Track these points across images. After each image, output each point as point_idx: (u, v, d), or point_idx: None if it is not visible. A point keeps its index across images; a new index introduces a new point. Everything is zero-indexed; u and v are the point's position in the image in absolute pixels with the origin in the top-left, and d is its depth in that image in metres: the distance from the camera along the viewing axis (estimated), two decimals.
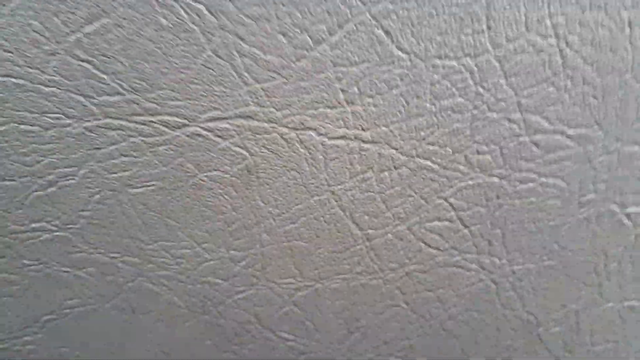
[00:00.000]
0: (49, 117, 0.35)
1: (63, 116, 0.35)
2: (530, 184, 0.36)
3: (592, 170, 0.36)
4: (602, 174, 0.36)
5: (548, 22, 0.31)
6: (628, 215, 0.38)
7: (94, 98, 0.34)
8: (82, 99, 0.34)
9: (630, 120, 0.35)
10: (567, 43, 0.32)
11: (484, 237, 0.38)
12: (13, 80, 0.34)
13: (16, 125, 0.35)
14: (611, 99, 0.34)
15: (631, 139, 0.35)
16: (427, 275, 0.40)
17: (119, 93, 0.34)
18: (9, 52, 0.33)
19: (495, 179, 0.36)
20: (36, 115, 0.35)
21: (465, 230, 0.38)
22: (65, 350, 0.45)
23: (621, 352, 0.45)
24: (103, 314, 0.43)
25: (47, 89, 0.34)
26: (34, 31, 0.33)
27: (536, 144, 0.35)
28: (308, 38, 0.32)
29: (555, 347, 0.44)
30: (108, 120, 0.35)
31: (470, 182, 0.36)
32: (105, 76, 0.33)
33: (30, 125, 0.35)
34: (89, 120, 0.35)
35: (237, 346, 0.43)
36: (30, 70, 0.34)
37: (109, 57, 0.33)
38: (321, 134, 0.34)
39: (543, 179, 0.36)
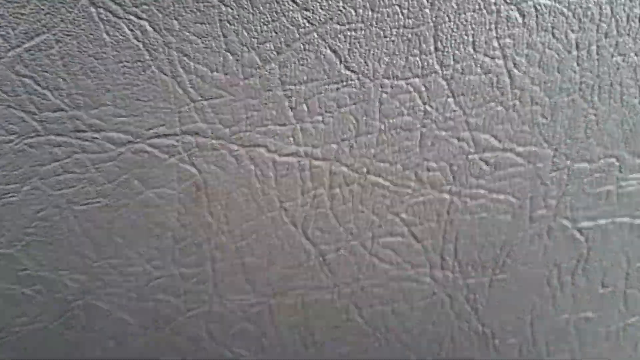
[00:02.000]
0: None
1: (4, 132, 0.34)
2: (481, 200, 0.36)
3: (542, 186, 0.36)
4: (553, 190, 0.37)
5: (495, 43, 0.31)
6: (580, 230, 0.39)
7: (36, 114, 0.33)
8: (23, 114, 0.33)
9: (579, 139, 0.35)
10: (514, 64, 0.32)
11: (436, 251, 0.38)
12: None
13: None
14: (560, 118, 0.34)
15: (580, 157, 0.36)
16: (382, 290, 0.40)
17: (61, 109, 0.33)
18: None
19: (446, 195, 0.36)
20: None
21: (418, 245, 0.38)
22: None
23: None
24: (53, 332, 0.42)
25: None
26: None
27: (485, 162, 0.35)
28: (256, 57, 0.31)
29: (511, 359, 0.45)
30: (50, 137, 0.34)
31: (422, 199, 0.36)
32: (47, 92, 0.32)
33: None
34: (31, 137, 0.34)
35: None
36: None
37: (50, 73, 0.32)
38: (271, 151, 0.34)
39: (493, 195, 0.36)
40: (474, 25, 0.30)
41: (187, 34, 0.30)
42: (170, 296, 0.39)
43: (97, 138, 0.33)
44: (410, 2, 0.30)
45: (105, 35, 0.31)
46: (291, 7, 0.30)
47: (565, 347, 0.45)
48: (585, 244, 0.40)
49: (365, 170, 0.35)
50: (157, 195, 0.35)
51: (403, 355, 0.44)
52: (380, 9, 0.30)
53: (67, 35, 0.31)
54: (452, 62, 0.31)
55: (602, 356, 0.46)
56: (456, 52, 0.31)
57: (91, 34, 0.31)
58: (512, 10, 0.30)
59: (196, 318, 0.40)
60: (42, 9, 0.30)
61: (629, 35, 0.32)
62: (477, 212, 0.37)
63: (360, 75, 0.31)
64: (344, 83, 0.32)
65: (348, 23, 0.30)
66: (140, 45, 0.31)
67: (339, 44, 0.31)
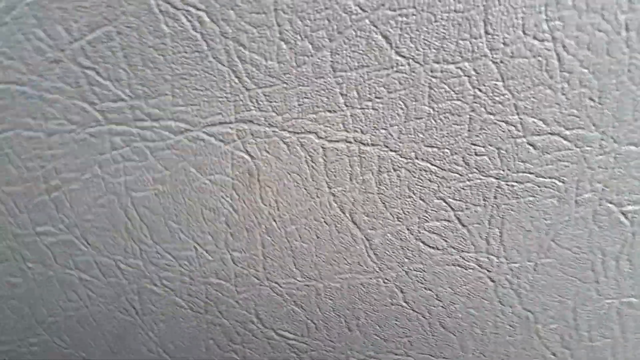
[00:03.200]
0: (53, 124, 0.35)
1: (66, 122, 0.35)
2: (527, 184, 0.37)
3: (589, 170, 0.37)
4: (599, 174, 0.37)
5: (545, 26, 0.32)
6: (625, 214, 0.39)
7: (97, 104, 0.35)
8: (85, 105, 0.35)
9: (626, 122, 0.35)
10: (564, 46, 0.32)
11: (481, 236, 0.39)
12: (16, 87, 0.34)
13: (20, 131, 0.35)
14: (608, 101, 0.34)
15: (628, 140, 0.36)
16: (426, 274, 0.40)
17: (121, 99, 0.34)
18: (12, 59, 0.33)
19: (493, 180, 0.36)
20: (40, 121, 0.35)
21: (464, 230, 0.38)
22: (70, 351, 0.46)
23: (619, 348, 0.46)
24: (107, 315, 0.43)
25: (50, 96, 0.35)
26: (37, 39, 0.33)
27: (533, 145, 0.35)
28: (308, 44, 0.32)
29: (552, 344, 0.45)
30: (111, 126, 0.35)
31: (468, 183, 0.36)
32: (108, 83, 0.34)
33: (34, 132, 0.36)
34: (92, 126, 0.35)
35: (238, 345, 0.44)
36: (34, 77, 0.34)
37: (111, 65, 0.33)
38: (321, 138, 0.35)
39: (540, 179, 0.37)
40: (523, 8, 0.31)
41: (243, 23, 0.32)
42: (222, 280, 0.41)
43: (155, 127, 0.35)
44: None
45: (164, 27, 0.32)
46: None
47: (607, 333, 0.45)
48: (630, 228, 0.40)
49: (413, 155, 0.35)
50: (212, 182, 0.36)
51: (446, 339, 0.44)
52: None
53: (128, 27, 0.32)
54: (501, 46, 0.32)
55: None
56: (506, 35, 0.31)
57: (151, 26, 0.32)
58: None
59: (245, 301, 0.42)
60: (104, 2, 0.32)
61: None
62: (523, 196, 0.37)
63: (410, 61, 0.32)
64: (395, 68, 0.32)
65: (399, 9, 0.31)
66: (198, 36, 0.32)
67: (390, 29, 0.31)
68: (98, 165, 0.36)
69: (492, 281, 0.41)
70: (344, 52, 0.32)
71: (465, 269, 0.40)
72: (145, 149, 0.35)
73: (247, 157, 0.35)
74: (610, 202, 0.38)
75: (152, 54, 0.33)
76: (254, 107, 0.34)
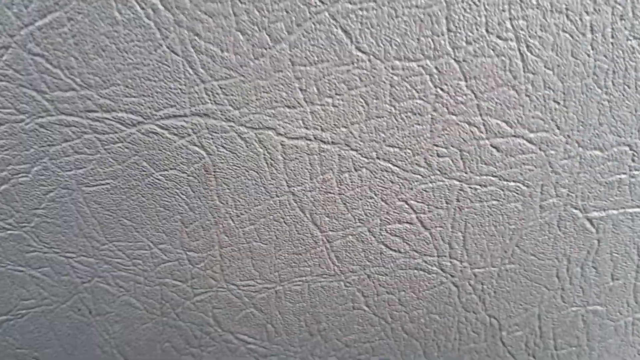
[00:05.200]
0: (2, 112, 0.34)
1: (16, 111, 0.34)
2: (491, 187, 0.36)
3: (553, 174, 0.36)
4: (564, 179, 0.36)
5: (509, 24, 0.31)
6: (590, 220, 0.38)
7: (47, 93, 0.33)
8: (35, 94, 0.33)
9: (592, 125, 0.35)
10: (527, 47, 0.32)
11: (444, 239, 0.38)
12: None
13: None
14: (573, 104, 0.34)
15: (593, 144, 0.35)
16: (388, 278, 0.40)
17: (72, 89, 0.33)
18: None
19: (456, 182, 0.36)
20: None
21: (426, 233, 0.38)
22: (22, 351, 0.44)
23: (584, 356, 0.45)
24: (60, 314, 0.42)
25: None
26: None
27: (496, 148, 0.34)
28: (266, 36, 0.31)
29: (517, 351, 0.44)
30: (62, 117, 0.34)
31: (431, 185, 0.36)
32: (58, 71, 0.32)
33: None
34: (42, 116, 0.34)
35: (196, 349, 0.43)
36: None
37: (62, 52, 0.32)
38: (280, 134, 0.34)
39: (504, 182, 0.36)
40: (487, 6, 0.30)
41: (199, 12, 0.30)
42: (177, 280, 0.39)
43: (107, 118, 0.33)
44: None
45: (117, 14, 0.31)
46: None
47: (573, 341, 0.45)
48: (595, 235, 0.39)
49: (374, 154, 0.34)
50: (166, 178, 0.35)
51: (408, 344, 0.43)
52: None
53: (79, 13, 0.31)
54: (464, 44, 0.31)
55: (610, 351, 0.45)
56: (469, 33, 0.31)
57: (103, 12, 0.31)
58: None
59: (202, 303, 0.40)
60: None
61: None
62: (486, 199, 0.36)
63: (371, 57, 0.31)
64: (355, 64, 0.32)
65: (360, 2, 0.30)
66: (152, 24, 0.31)
67: (350, 23, 0.30)
68: (48, 157, 0.35)
69: (456, 286, 0.40)
70: (303, 45, 0.31)
71: (428, 273, 0.40)
72: (97, 141, 0.34)
73: (202, 152, 0.34)
74: (576, 208, 0.38)
75: (104, 41, 0.31)
76: (210, 100, 0.33)
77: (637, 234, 0.39)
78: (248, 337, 0.42)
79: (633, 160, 0.36)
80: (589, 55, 0.32)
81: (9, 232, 0.38)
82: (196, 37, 0.31)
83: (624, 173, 0.36)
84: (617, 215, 0.38)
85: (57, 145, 0.35)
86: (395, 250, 0.38)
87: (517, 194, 0.37)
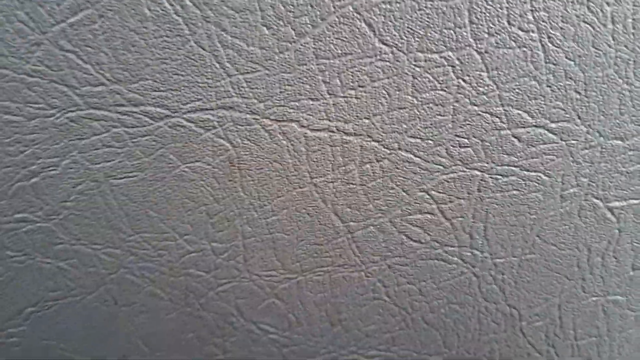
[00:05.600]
0: (33, 107, 0.35)
1: (47, 106, 0.35)
2: (512, 177, 0.36)
3: (574, 164, 0.36)
4: (585, 168, 0.37)
5: (530, 16, 0.31)
6: (611, 210, 0.38)
7: (78, 88, 0.34)
8: (65, 89, 0.34)
9: (612, 115, 0.35)
10: (549, 37, 0.32)
11: (465, 230, 0.38)
12: None
13: None
14: (593, 94, 0.34)
15: (614, 134, 0.36)
16: (409, 268, 0.40)
17: (102, 84, 0.34)
18: None
19: (477, 172, 0.36)
20: (20, 105, 0.35)
21: (447, 223, 0.38)
22: (49, 342, 0.45)
23: (604, 347, 0.45)
24: (86, 305, 0.43)
25: (31, 79, 0.34)
26: (19, 21, 0.32)
27: (518, 138, 0.35)
28: (291, 30, 0.32)
29: (537, 341, 0.45)
30: (91, 111, 0.35)
31: (452, 175, 0.36)
32: (89, 66, 0.33)
33: (14, 115, 0.35)
34: (72, 111, 0.35)
35: (219, 338, 0.43)
36: (15, 60, 0.34)
37: (93, 48, 0.33)
38: (303, 126, 0.34)
39: (525, 173, 0.36)
40: None
41: (225, 8, 0.31)
42: (202, 271, 0.40)
43: (135, 112, 0.34)
44: None
45: (146, 10, 0.31)
46: None
47: (593, 331, 0.45)
48: (616, 224, 0.39)
49: (396, 145, 0.35)
50: (192, 170, 0.36)
51: (428, 334, 0.44)
52: None
53: (110, 10, 0.32)
54: (486, 36, 0.31)
55: (630, 341, 0.45)
56: (490, 25, 0.31)
57: (133, 9, 0.32)
58: None
59: (225, 293, 0.41)
60: None
61: None
62: (507, 189, 0.37)
63: (394, 49, 0.32)
64: (378, 57, 0.32)
65: None
66: (180, 20, 0.31)
67: (373, 17, 0.31)
68: (77, 150, 0.36)
69: (476, 277, 0.41)
70: (327, 39, 0.32)
71: (449, 264, 0.40)
72: (125, 134, 0.35)
73: (227, 144, 0.35)
74: (596, 198, 0.38)
75: (133, 37, 0.32)
76: (236, 93, 0.33)
77: None
78: (270, 326, 0.43)
79: None
80: (609, 46, 0.33)
81: (37, 224, 0.39)
82: (223, 32, 0.32)
83: None
84: (638, 204, 0.38)
85: (86, 139, 0.35)
86: (416, 241, 0.39)
87: (538, 184, 0.37)
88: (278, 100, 0.34)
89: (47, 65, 0.34)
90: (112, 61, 0.33)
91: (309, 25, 0.31)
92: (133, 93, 0.34)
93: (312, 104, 0.34)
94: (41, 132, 0.35)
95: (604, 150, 0.36)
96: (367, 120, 0.34)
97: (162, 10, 0.32)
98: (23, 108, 0.35)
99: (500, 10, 0.31)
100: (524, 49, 0.32)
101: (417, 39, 0.32)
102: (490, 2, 0.31)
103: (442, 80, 0.33)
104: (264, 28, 0.32)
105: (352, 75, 0.33)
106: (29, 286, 0.42)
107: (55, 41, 0.33)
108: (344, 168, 0.36)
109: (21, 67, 0.34)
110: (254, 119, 0.34)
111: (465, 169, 0.36)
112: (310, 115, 0.34)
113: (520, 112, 0.34)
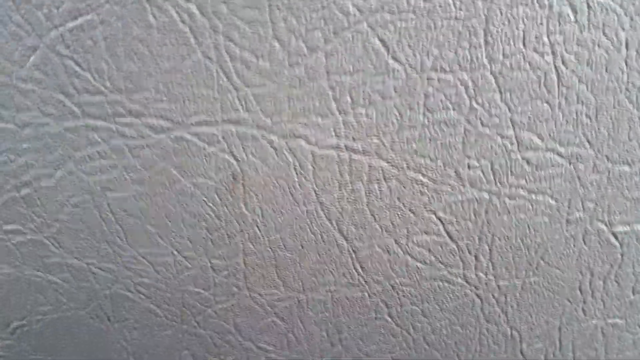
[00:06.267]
0: (27, 115, 0.33)
1: (41, 114, 0.33)
2: (520, 201, 0.36)
3: (581, 188, 0.36)
4: (591, 193, 0.36)
5: (546, 39, 0.31)
6: (615, 235, 0.38)
7: (75, 97, 0.33)
8: (62, 97, 0.33)
9: (621, 141, 0.35)
10: (563, 61, 0.32)
11: (471, 252, 0.38)
12: None
13: None
14: (604, 119, 0.34)
15: (622, 159, 0.35)
16: (412, 289, 0.39)
17: (101, 92, 0.32)
18: None
19: (485, 194, 0.35)
20: (12, 112, 0.33)
21: (453, 245, 0.37)
22: (37, 357, 0.43)
23: None
24: (77, 321, 0.41)
25: (25, 85, 0.33)
26: (14, 24, 0.31)
27: (527, 161, 0.34)
28: (303, 45, 0.31)
29: None
30: (89, 121, 0.33)
31: (460, 197, 0.35)
32: (87, 74, 0.32)
33: (6, 123, 0.34)
34: (68, 120, 0.33)
35: (215, 357, 0.42)
36: (8, 64, 0.32)
37: (92, 55, 0.32)
38: (311, 143, 0.33)
39: (532, 196, 0.36)
40: (525, 20, 0.30)
41: (235, 19, 0.30)
42: (200, 288, 0.39)
43: (136, 123, 0.33)
44: None
45: (151, 18, 0.30)
46: None
47: (592, 354, 0.45)
48: (619, 249, 0.39)
49: (405, 165, 0.34)
50: (194, 185, 0.35)
51: (430, 356, 0.43)
52: (432, 0, 0.30)
53: (112, 16, 0.31)
54: (501, 57, 0.31)
55: None
56: (506, 46, 0.31)
57: (136, 16, 0.30)
58: (564, 5, 0.30)
59: (224, 311, 0.40)
60: None
61: None
62: (515, 212, 0.36)
63: (407, 67, 0.31)
64: (390, 75, 0.31)
65: (399, 12, 0.30)
66: (187, 29, 0.30)
67: (388, 34, 0.30)
68: (73, 161, 0.34)
69: (479, 298, 0.40)
70: (339, 55, 0.31)
71: (453, 285, 0.39)
72: (124, 146, 0.34)
73: (232, 160, 0.34)
74: (601, 222, 0.38)
75: (136, 45, 0.31)
76: (242, 107, 0.32)
77: None
78: (268, 345, 0.42)
79: None
80: (622, 71, 0.32)
81: (28, 237, 0.37)
82: (231, 44, 0.31)
83: None
84: None
85: (82, 150, 0.34)
86: (420, 262, 0.38)
87: (545, 207, 0.36)
88: (286, 116, 0.33)
89: (43, 71, 0.32)
90: (112, 69, 0.32)
91: (321, 40, 0.31)
92: (134, 104, 0.32)
93: (321, 121, 0.33)
94: (35, 141, 0.34)
95: (611, 175, 0.36)
96: (376, 139, 0.33)
97: (168, 18, 0.30)
98: (16, 115, 0.33)
99: (516, 32, 0.30)
100: (538, 71, 0.32)
101: (431, 57, 0.31)
102: (506, 24, 0.30)
103: (455, 101, 0.32)
104: (275, 41, 0.31)
105: (363, 93, 0.32)
106: (16, 299, 0.40)
107: (53, 46, 0.31)
108: (350, 187, 0.35)
109: (15, 72, 0.32)
110: (260, 134, 0.33)
111: (473, 191, 0.35)
112: (318, 132, 0.33)
113: (531, 135, 0.34)
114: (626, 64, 0.32)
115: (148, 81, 0.32)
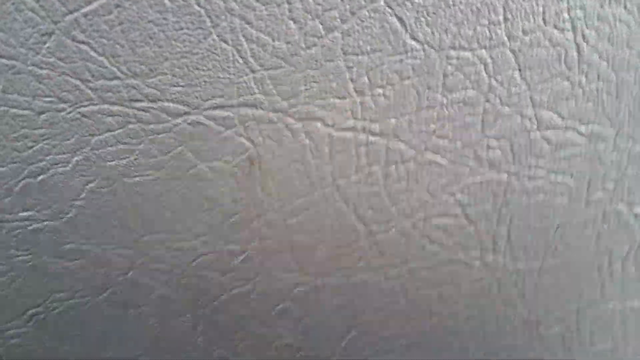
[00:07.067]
0: (42, 101, 0.33)
1: (57, 100, 0.33)
2: (539, 181, 0.35)
3: (601, 168, 0.36)
4: (612, 173, 0.36)
5: (566, 15, 0.30)
6: (635, 215, 0.38)
7: (91, 82, 0.32)
8: (78, 82, 0.33)
9: None
10: (584, 37, 0.31)
11: (489, 234, 0.37)
12: (4, 61, 0.32)
13: (7, 108, 0.33)
14: (625, 96, 0.33)
15: None
16: (430, 273, 0.39)
17: (117, 77, 0.32)
18: (1, 31, 0.31)
19: (504, 175, 0.35)
20: (28, 98, 0.33)
21: (471, 227, 0.37)
22: (53, 345, 0.43)
23: (620, 352, 0.45)
24: (93, 307, 0.41)
25: (41, 71, 0.32)
26: (29, 10, 0.31)
27: (547, 140, 0.34)
28: (319, 25, 0.30)
29: (555, 346, 0.44)
30: (105, 106, 0.33)
31: (479, 178, 0.35)
32: (103, 59, 0.32)
33: (22, 109, 0.33)
34: (84, 105, 0.33)
35: (231, 342, 0.42)
36: (24, 50, 0.32)
37: (108, 39, 0.31)
38: (328, 125, 0.33)
39: (552, 176, 0.35)
40: None
41: (251, 0, 0.30)
42: (216, 273, 0.39)
43: (152, 108, 0.33)
44: None
45: (166, 1, 0.30)
46: None
47: (609, 337, 0.44)
48: (638, 230, 0.39)
49: (423, 147, 0.34)
50: (211, 169, 0.35)
51: (447, 340, 0.43)
52: None
53: (127, 0, 0.30)
54: (520, 34, 0.30)
55: None
56: (525, 23, 0.30)
57: (152, 0, 0.30)
58: None
59: (240, 296, 0.40)
60: None
61: None
62: (534, 193, 0.36)
63: (425, 46, 0.31)
64: (409, 54, 0.31)
65: None
66: (202, 12, 0.30)
67: (405, 11, 0.30)
68: (90, 147, 0.34)
69: (497, 282, 0.40)
70: (357, 34, 0.31)
71: (470, 268, 0.39)
72: (141, 131, 0.33)
73: (248, 143, 0.34)
74: (621, 203, 0.37)
75: (152, 29, 0.31)
76: (259, 90, 0.32)
77: None
78: (284, 330, 0.42)
79: None
80: None
81: (45, 223, 0.37)
82: (247, 26, 0.30)
83: None
84: None
85: (99, 135, 0.34)
86: (438, 245, 0.38)
87: (564, 188, 0.36)
88: (303, 98, 0.32)
89: (59, 57, 0.32)
90: (128, 54, 0.32)
91: (338, 20, 0.30)
92: (150, 88, 0.32)
93: (338, 103, 0.32)
94: (51, 127, 0.34)
95: (632, 155, 0.35)
96: (394, 120, 0.33)
97: (184, 1, 0.30)
98: (32, 102, 0.33)
99: (536, 8, 0.30)
100: (558, 48, 0.31)
101: (449, 35, 0.31)
102: (526, 0, 0.30)
103: (474, 80, 0.32)
104: (291, 22, 0.30)
105: (381, 73, 0.32)
106: (33, 287, 0.40)
107: (68, 32, 0.31)
108: (368, 169, 0.35)
109: (30, 59, 0.32)
110: (277, 117, 0.33)
111: (492, 172, 0.35)
112: (336, 114, 0.33)
113: (551, 114, 0.33)
114: None
115: (164, 65, 0.32)
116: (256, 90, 0.32)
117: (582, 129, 0.34)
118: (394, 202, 0.36)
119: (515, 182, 0.35)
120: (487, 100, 0.32)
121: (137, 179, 0.35)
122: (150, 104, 0.33)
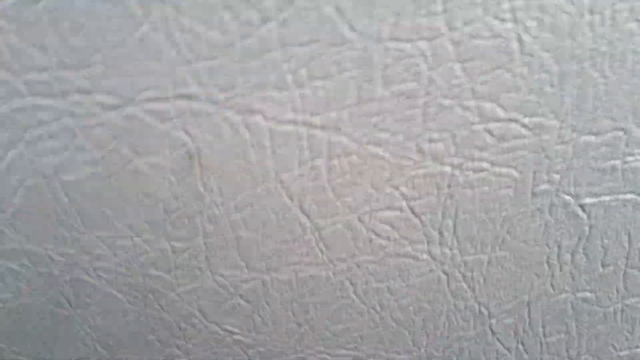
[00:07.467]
0: None
1: None
2: (483, 174, 0.35)
3: (546, 160, 0.35)
4: (557, 164, 0.36)
5: (506, 5, 0.30)
6: (582, 207, 0.38)
7: (21, 75, 0.31)
8: (7, 74, 0.31)
9: (587, 110, 0.34)
10: (525, 28, 0.31)
11: (434, 227, 0.37)
12: None
13: None
14: (568, 88, 0.33)
15: (587, 129, 0.35)
16: (377, 266, 0.39)
17: (47, 69, 0.31)
18: None
19: (448, 168, 0.35)
20: None
21: (416, 220, 0.37)
22: (0, 346, 0.42)
23: (573, 343, 0.45)
24: (38, 308, 0.40)
25: None
26: None
27: (490, 133, 0.34)
28: (255, 14, 0.30)
29: (506, 339, 0.44)
30: (37, 99, 0.32)
31: (422, 171, 0.35)
32: (32, 50, 0.31)
33: None
34: (15, 99, 0.32)
35: (181, 340, 0.41)
36: None
37: (36, 30, 0.30)
38: (268, 118, 0.32)
39: (496, 169, 0.35)
40: None
41: None
42: (161, 271, 0.38)
43: (85, 101, 0.32)
44: None
45: None
46: None
47: (562, 328, 0.45)
48: (587, 221, 0.39)
49: (365, 140, 0.33)
50: (148, 165, 0.34)
51: (397, 333, 0.43)
52: None
53: None
54: (460, 25, 0.30)
55: (599, 338, 0.45)
56: (465, 13, 0.30)
57: None
58: None
59: (187, 294, 0.39)
60: None
61: None
62: (478, 186, 0.36)
63: (364, 37, 0.30)
64: (347, 45, 0.30)
65: None
66: (133, 1, 0.29)
67: (343, 1, 0.29)
68: (23, 143, 0.33)
69: (445, 274, 0.40)
70: (294, 25, 0.30)
71: (418, 261, 0.39)
72: (74, 126, 0.32)
73: (186, 137, 0.33)
74: (568, 194, 0.37)
75: (82, 19, 0.30)
76: (195, 82, 0.31)
77: (628, 221, 0.39)
78: (234, 327, 0.41)
79: (627, 146, 0.35)
80: (587, 38, 0.32)
81: None
82: (180, 15, 0.29)
83: (618, 159, 0.36)
84: (609, 201, 0.38)
85: (32, 131, 0.33)
86: (384, 238, 0.37)
87: (509, 180, 0.36)
88: (241, 90, 0.31)
89: None
90: (58, 45, 0.30)
91: (275, 9, 0.29)
92: (82, 80, 0.31)
93: (277, 95, 0.32)
94: None
95: (576, 145, 0.35)
96: (334, 114, 0.32)
97: None
98: None
99: None
100: (499, 39, 0.31)
101: (388, 26, 0.30)
102: None
103: (414, 72, 0.31)
104: (226, 11, 0.29)
105: (320, 65, 0.31)
106: None
107: None
108: (311, 163, 0.34)
109: None
110: (215, 109, 0.32)
111: (435, 165, 0.34)
112: (275, 107, 0.32)
113: (493, 105, 0.33)
114: (591, 30, 0.31)
115: (95, 56, 0.31)
116: (192, 82, 0.31)
117: (526, 120, 0.34)
118: (338, 196, 0.35)
119: (459, 174, 0.35)
120: (428, 93, 0.32)
121: (73, 175, 0.34)
122: (83, 97, 0.31)
